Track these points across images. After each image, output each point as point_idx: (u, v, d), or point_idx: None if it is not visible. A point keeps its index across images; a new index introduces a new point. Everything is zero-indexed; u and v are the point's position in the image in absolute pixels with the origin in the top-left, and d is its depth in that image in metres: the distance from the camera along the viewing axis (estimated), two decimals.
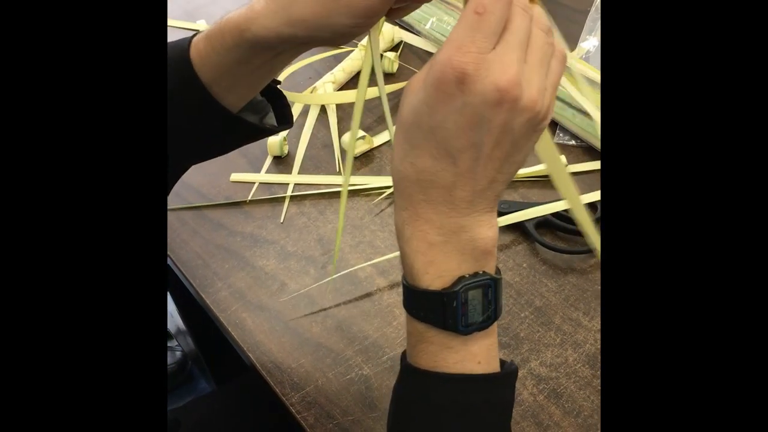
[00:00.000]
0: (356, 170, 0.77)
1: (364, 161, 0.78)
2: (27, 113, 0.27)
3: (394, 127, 0.37)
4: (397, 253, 0.68)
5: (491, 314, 0.37)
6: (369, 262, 0.67)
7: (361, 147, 0.78)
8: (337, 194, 0.75)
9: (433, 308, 0.37)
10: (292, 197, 0.75)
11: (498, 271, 0.38)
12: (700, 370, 0.27)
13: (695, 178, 0.28)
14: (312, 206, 0.74)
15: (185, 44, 0.43)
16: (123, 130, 0.29)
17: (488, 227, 0.36)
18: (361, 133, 0.77)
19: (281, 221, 0.72)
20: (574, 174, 0.75)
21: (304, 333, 0.62)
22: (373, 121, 0.83)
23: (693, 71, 0.29)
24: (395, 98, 0.86)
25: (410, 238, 0.36)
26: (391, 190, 0.74)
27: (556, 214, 0.68)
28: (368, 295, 0.65)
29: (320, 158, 0.79)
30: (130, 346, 0.28)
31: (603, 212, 0.31)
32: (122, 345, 0.28)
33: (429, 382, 0.38)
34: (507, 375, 0.39)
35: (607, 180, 0.30)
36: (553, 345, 0.60)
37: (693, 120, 0.28)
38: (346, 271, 0.66)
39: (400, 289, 0.65)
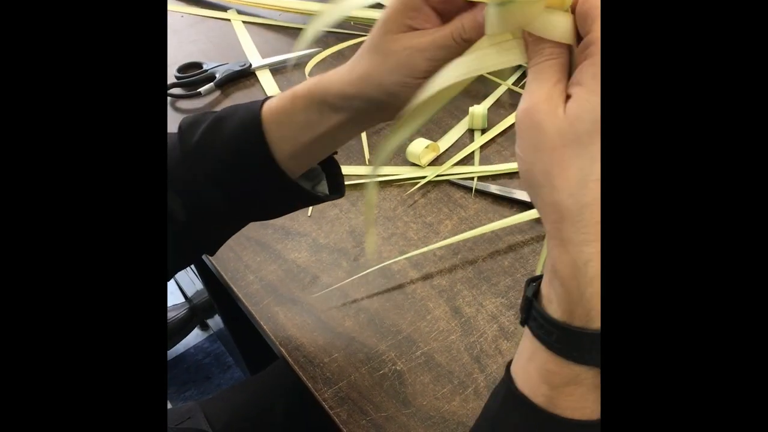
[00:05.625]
0: (388, 160, 0.75)
1: (397, 150, 0.76)
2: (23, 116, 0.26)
3: (538, 154, 0.32)
4: (431, 248, 0.68)
5: None
6: (403, 256, 0.66)
7: (427, 156, 0.75)
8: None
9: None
10: None
11: None
12: (699, 378, 0.27)
13: (696, 179, 0.27)
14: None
15: (257, 105, 0.46)
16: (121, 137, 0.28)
17: None
18: (427, 141, 0.75)
19: (308, 214, 0.71)
20: None
21: (336, 327, 0.61)
22: None
23: (694, 71, 0.27)
24: None
25: (595, 277, 0.31)
26: (424, 180, 0.72)
27: None
28: (401, 287, 0.64)
29: (351, 148, 0.78)
30: (127, 338, 0.27)
31: (603, 212, 0.30)
32: (119, 336, 0.27)
33: None
34: None
35: (607, 180, 0.29)
36: None
37: (693, 120, 0.27)
38: (380, 266, 0.65)
39: (434, 282, 0.65)
